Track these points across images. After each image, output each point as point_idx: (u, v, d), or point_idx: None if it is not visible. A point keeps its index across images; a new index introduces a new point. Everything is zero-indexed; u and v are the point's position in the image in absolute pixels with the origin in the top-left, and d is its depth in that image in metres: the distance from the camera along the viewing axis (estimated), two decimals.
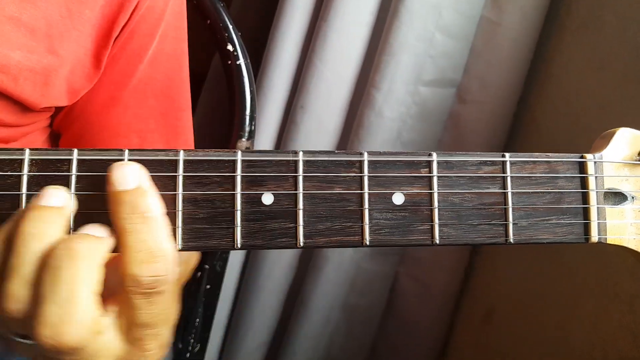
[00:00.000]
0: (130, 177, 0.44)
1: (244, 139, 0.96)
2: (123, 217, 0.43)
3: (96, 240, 0.43)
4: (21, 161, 0.47)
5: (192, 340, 0.98)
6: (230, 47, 0.94)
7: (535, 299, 1.10)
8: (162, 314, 0.44)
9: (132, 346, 0.44)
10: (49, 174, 0.47)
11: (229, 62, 0.95)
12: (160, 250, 0.43)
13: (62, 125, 0.75)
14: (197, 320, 0.99)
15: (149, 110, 0.76)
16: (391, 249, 1.27)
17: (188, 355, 0.98)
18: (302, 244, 0.47)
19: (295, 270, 1.31)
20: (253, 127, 0.96)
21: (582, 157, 0.50)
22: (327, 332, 1.33)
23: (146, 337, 0.44)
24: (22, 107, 0.64)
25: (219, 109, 1.36)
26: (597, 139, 0.51)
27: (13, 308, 0.41)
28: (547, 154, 0.49)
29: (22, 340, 0.44)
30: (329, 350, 1.35)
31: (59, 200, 0.44)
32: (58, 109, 0.73)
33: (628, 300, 0.87)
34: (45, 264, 0.41)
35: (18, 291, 0.41)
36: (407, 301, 1.31)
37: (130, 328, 0.44)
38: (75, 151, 0.47)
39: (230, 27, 0.94)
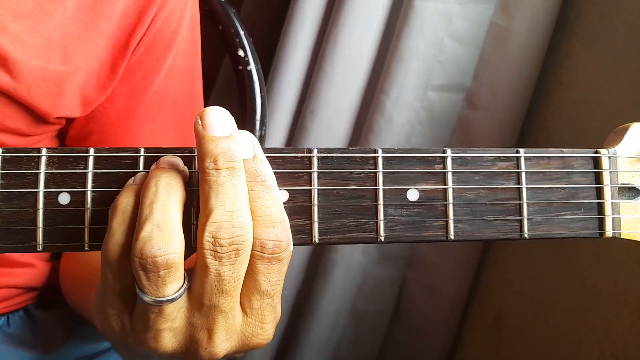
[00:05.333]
0: (248, 146, 0.46)
1: None
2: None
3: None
4: (38, 159, 0.47)
5: None
6: (241, 53, 0.95)
7: (544, 304, 1.09)
8: (278, 284, 0.46)
9: (252, 317, 0.46)
10: (66, 171, 0.47)
11: (240, 67, 0.96)
12: (280, 216, 0.45)
13: (78, 139, 0.75)
14: None
15: (163, 123, 0.77)
16: (399, 253, 1.27)
17: None
18: (317, 241, 0.47)
19: (303, 274, 1.31)
20: (263, 132, 0.97)
21: (596, 152, 0.50)
22: (334, 337, 1.33)
23: (265, 307, 0.46)
24: (36, 116, 0.65)
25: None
26: (611, 134, 0.52)
27: (155, 250, 0.42)
28: (561, 149, 0.49)
29: (148, 298, 0.45)
30: (336, 355, 1.35)
31: (180, 164, 0.47)
32: (69, 121, 0.73)
33: (638, 306, 0.87)
34: (210, 178, 0.44)
35: (157, 232, 0.43)
36: (415, 306, 1.31)
37: (251, 298, 0.46)
38: (92, 149, 0.47)
39: (242, 33, 0.95)
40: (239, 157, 0.44)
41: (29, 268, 0.77)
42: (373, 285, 1.29)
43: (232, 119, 0.45)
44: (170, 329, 0.46)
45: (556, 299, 1.06)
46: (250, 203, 0.44)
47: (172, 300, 0.44)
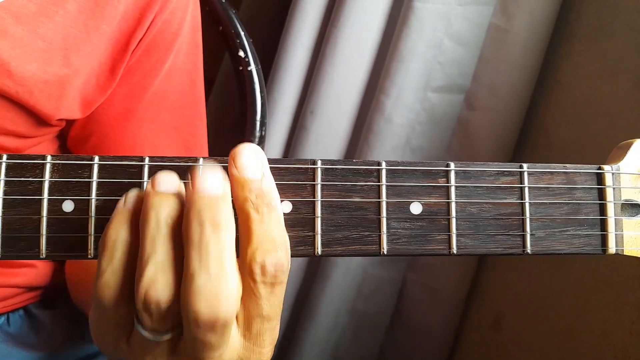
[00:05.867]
0: (257, 164, 0.44)
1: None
2: (250, 204, 0.43)
3: (230, 212, 0.43)
4: (43, 166, 0.47)
5: None
6: (241, 54, 0.95)
7: (544, 306, 1.10)
8: (278, 306, 0.45)
9: (250, 342, 0.45)
10: (70, 180, 0.47)
11: (240, 68, 0.96)
12: (282, 238, 0.44)
13: (78, 140, 0.75)
14: None
15: (163, 124, 0.77)
16: None
17: None
18: (319, 253, 0.47)
19: (303, 275, 1.31)
20: (263, 133, 0.97)
21: (599, 168, 0.50)
22: (334, 338, 1.33)
23: (264, 331, 0.45)
24: (37, 119, 0.65)
25: (227, 113, 1.37)
26: (614, 150, 0.52)
27: (160, 293, 0.41)
28: (565, 165, 0.49)
29: (148, 334, 0.43)
30: (336, 356, 1.35)
31: (174, 183, 0.44)
32: (69, 123, 0.73)
33: (638, 307, 0.87)
34: (188, 235, 0.41)
35: (161, 274, 0.41)
36: (415, 307, 1.31)
37: (251, 322, 0.44)
38: (97, 157, 0.47)
39: (242, 33, 0.95)
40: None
41: (30, 268, 0.77)
42: (373, 286, 1.29)
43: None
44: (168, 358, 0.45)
45: (555, 300, 1.07)
46: (254, 226, 0.43)
47: (171, 337, 0.43)
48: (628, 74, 0.95)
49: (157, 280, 0.41)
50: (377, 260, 1.27)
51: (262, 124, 0.97)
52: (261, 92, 0.97)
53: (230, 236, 0.42)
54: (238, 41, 0.95)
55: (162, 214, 0.42)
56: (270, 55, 1.27)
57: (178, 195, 0.43)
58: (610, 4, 1.02)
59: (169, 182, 0.44)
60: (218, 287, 0.40)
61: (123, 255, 0.42)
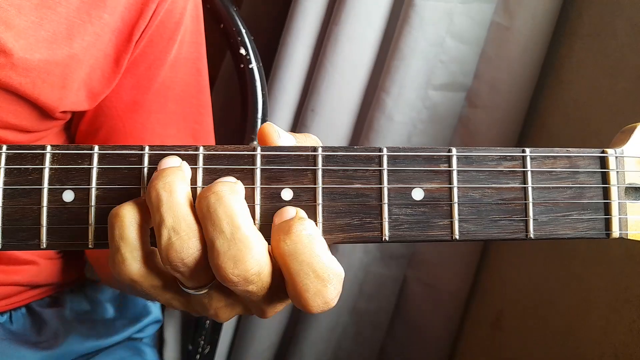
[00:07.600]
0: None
1: (255, 142, 0.96)
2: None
3: (230, 181, 0.46)
4: (42, 156, 0.47)
5: (202, 342, 0.99)
6: (243, 51, 0.95)
7: (544, 304, 1.09)
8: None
9: None
10: (70, 166, 0.47)
11: (242, 65, 0.96)
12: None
13: (88, 134, 0.76)
14: (207, 322, 0.99)
15: (170, 115, 0.77)
16: (400, 252, 1.27)
17: (198, 357, 0.98)
18: None
19: None
20: None
21: (603, 151, 0.50)
22: (335, 337, 1.32)
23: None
24: (40, 111, 0.65)
25: (228, 111, 1.37)
26: (618, 134, 0.51)
27: (180, 253, 0.43)
28: (568, 148, 0.49)
29: (193, 291, 0.47)
30: (336, 355, 1.34)
31: (175, 162, 0.47)
32: (78, 116, 0.74)
33: (639, 305, 0.87)
34: (200, 214, 0.44)
35: (175, 235, 0.44)
36: (415, 305, 1.31)
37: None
38: (96, 147, 0.47)
39: (243, 31, 0.95)
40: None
41: (31, 265, 0.77)
42: (374, 284, 1.29)
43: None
44: (226, 305, 0.49)
45: (556, 298, 1.06)
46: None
47: (215, 284, 0.47)
48: (629, 72, 0.95)
49: (173, 243, 0.43)
50: (378, 258, 1.27)
51: (263, 121, 0.97)
52: (262, 89, 0.97)
53: (238, 198, 0.44)
54: (239, 39, 0.95)
55: (158, 184, 0.45)
56: (271, 53, 1.26)
57: (178, 169, 0.46)
58: (612, 3, 1.01)
59: (169, 162, 0.47)
60: (238, 245, 0.43)
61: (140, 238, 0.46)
